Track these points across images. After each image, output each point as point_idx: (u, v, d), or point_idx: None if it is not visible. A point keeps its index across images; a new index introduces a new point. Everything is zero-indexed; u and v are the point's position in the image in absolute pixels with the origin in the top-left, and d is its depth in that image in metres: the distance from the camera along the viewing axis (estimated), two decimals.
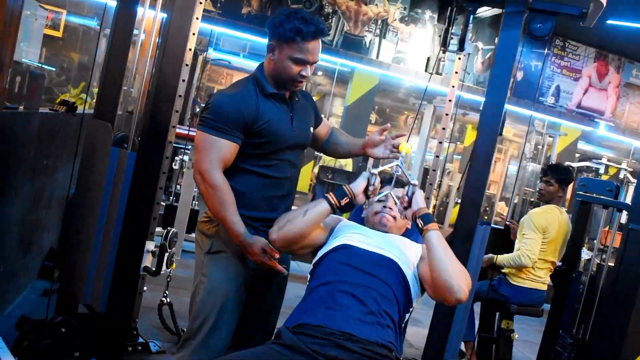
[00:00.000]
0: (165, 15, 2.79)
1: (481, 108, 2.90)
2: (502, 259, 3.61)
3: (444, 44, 3.27)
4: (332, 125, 2.50)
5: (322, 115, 2.40)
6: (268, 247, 2.00)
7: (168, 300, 3.27)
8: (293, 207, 2.21)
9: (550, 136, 8.10)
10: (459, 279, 1.77)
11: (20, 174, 2.92)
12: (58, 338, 2.71)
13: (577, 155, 9.11)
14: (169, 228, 3.16)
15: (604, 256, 3.92)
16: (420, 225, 1.90)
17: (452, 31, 3.25)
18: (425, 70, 6.23)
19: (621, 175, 7.99)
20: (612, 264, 3.85)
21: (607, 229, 7.31)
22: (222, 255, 2.11)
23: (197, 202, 5.04)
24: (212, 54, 7.05)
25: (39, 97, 2.96)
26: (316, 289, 1.85)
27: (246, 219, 2.05)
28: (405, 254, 1.99)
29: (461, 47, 3.15)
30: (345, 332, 1.69)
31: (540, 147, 8.49)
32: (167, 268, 3.14)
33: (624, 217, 3.90)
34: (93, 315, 2.84)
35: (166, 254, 3.04)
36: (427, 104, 7.89)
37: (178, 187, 5.59)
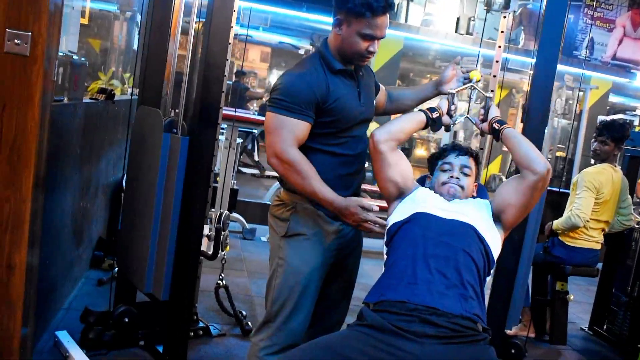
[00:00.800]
0: None
1: (531, 69, 2.82)
2: (557, 223, 3.56)
3: (489, 4, 3.16)
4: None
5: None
6: (363, 202, 1.97)
7: (224, 282, 3.28)
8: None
9: (581, 90, 7.91)
10: (541, 155, 1.94)
11: (70, 166, 2.91)
12: (122, 328, 2.73)
13: (607, 108, 8.90)
14: (221, 210, 3.16)
15: None
16: (497, 127, 2.04)
17: None
18: (456, 31, 6.14)
19: None
20: None
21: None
22: (300, 237, 2.08)
23: (235, 182, 5.03)
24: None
25: (82, 88, 2.93)
26: (396, 263, 1.82)
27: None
28: (478, 210, 1.97)
29: (507, 4, 3.04)
30: (429, 306, 1.66)
31: (571, 102, 8.31)
32: (222, 250, 3.16)
33: None
34: (154, 303, 2.86)
35: (221, 236, 3.06)
36: (455, 65, 7.74)
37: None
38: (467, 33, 5.94)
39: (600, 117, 8.00)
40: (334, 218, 2.07)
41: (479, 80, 2.26)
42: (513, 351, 3.15)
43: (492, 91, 2.84)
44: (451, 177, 2.08)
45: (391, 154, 2.00)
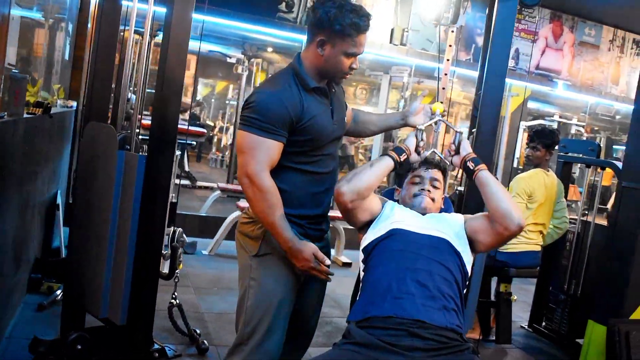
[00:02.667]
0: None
1: (479, 84, 2.94)
2: None
3: (438, 18, 3.25)
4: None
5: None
6: (318, 253, 1.94)
7: (177, 301, 3.18)
8: None
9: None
10: (516, 208, 1.89)
11: (10, 186, 2.74)
12: (75, 356, 2.59)
13: (527, 114, 9.35)
14: (174, 228, 3.07)
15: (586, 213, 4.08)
16: (471, 167, 2.01)
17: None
18: (390, 42, 6.27)
19: (572, 131, 8.30)
20: (596, 221, 4.02)
21: (575, 184, 7.59)
22: (272, 256, 2.04)
23: (174, 195, 4.90)
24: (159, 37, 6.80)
25: (22, 103, 2.76)
26: (378, 279, 1.83)
27: (292, 217, 1.99)
28: (452, 227, 2.00)
29: (455, 19, 3.14)
30: (416, 319, 1.69)
31: None
32: (176, 268, 3.07)
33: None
34: (107, 327, 2.74)
35: (177, 255, 2.97)
36: (383, 74, 7.90)
37: None
38: (401, 44, 6.08)
39: (523, 123, 8.42)
40: (305, 236, 2.03)
41: (442, 112, 2.27)
42: None
43: (443, 89, 2.94)
44: (422, 189, 2.12)
45: (360, 206, 2.00)
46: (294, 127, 1.96)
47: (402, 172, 2.17)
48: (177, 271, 3.06)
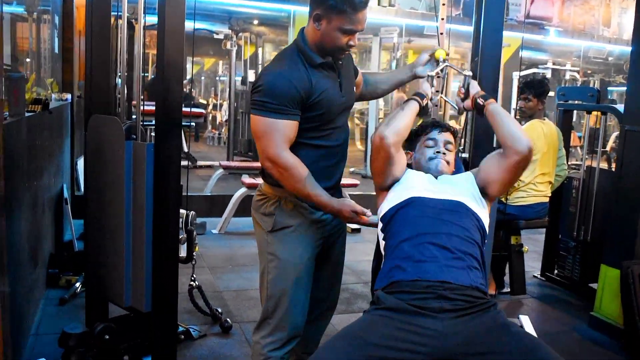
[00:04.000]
0: None
1: (474, 39, 2.90)
2: None
3: None
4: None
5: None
6: (356, 207, 2.01)
7: (197, 283, 3.22)
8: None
9: None
10: (524, 133, 1.98)
11: (20, 185, 2.75)
12: (104, 346, 2.64)
13: (520, 64, 9.29)
14: (187, 212, 3.09)
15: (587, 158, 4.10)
16: (481, 102, 2.06)
17: None
18: (378, 4, 6.21)
19: (567, 77, 8.27)
20: (600, 165, 4.05)
21: (573, 130, 7.59)
22: (287, 230, 2.09)
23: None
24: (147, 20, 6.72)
25: (22, 102, 2.75)
26: (399, 246, 1.85)
27: None
28: (466, 188, 2.03)
29: None
30: (442, 280, 1.71)
31: None
32: (192, 252, 3.10)
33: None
34: (132, 316, 2.79)
35: (193, 237, 3.00)
36: (373, 37, 7.83)
37: None
38: (390, 5, 6.03)
39: (515, 73, 8.37)
40: (316, 208, 2.08)
41: (445, 57, 2.29)
42: None
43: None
44: (437, 152, 2.14)
45: (398, 154, 2.01)
46: (304, 104, 1.97)
47: (422, 115, 2.18)
48: (194, 253, 3.09)
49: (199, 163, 7.97)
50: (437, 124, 2.21)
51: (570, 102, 4.22)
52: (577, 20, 8.04)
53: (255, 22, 8.77)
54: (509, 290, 3.92)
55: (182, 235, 2.91)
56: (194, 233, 3.00)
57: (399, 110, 2.03)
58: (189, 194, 5.72)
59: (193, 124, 6.42)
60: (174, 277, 2.64)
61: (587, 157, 4.12)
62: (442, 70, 2.29)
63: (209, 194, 5.86)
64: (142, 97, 2.75)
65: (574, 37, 8.14)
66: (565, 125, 4.20)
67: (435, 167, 2.10)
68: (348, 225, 5.29)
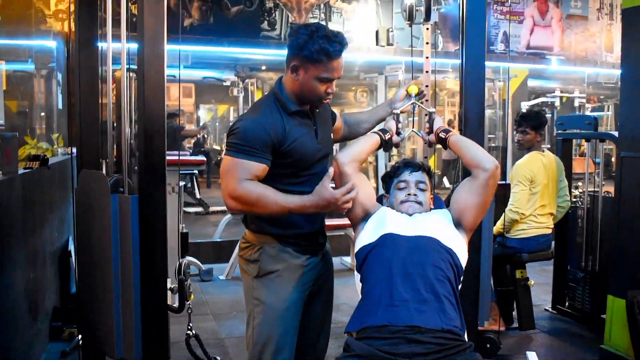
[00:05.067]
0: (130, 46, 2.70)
1: (461, 74, 2.92)
2: (497, 227, 3.66)
3: (410, 18, 3.26)
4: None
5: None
6: (336, 190, 1.93)
7: (193, 332, 3.20)
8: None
9: (500, 81, 8.25)
10: (487, 154, 2.08)
11: (15, 241, 2.80)
12: None
13: (528, 93, 9.29)
14: (181, 260, 3.09)
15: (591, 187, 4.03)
16: (443, 136, 2.16)
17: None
18: (377, 44, 6.29)
19: (576, 104, 8.23)
20: (602, 192, 3.98)
21: (577, 157, 7.51)
22: (272, 275, 2.10)
23: (183, 225, 4.94)
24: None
25: (15, 160, 2.82)
26: (372, 289, 1.85)
27: (289, 238, 2.08)
28: (439, 223, 2.03)
29: (427, 17, 3.14)
30: (412, 325, 1.69)
31: (493, 93, 8.63)
32: (187, 300, 3.09)
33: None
34: None
35: (185, 287, 2.99)
36: (378, 75, 7.93)
37: None
38: (388, 44, 6.10)
39: (523, 103, 8.36)
40: (301, 252, 2.12)
41: (417, 94, 2.38)
42: (488, 346, 3.24)
43: (426, 86, 3.00)
44: (408, 194, 2.13)
45: (355, 176, 2.05)
46: (277, 151, 2.01)
47: (387, 150, 2.28)
48: (189, 303, 3.08)
49: (212, 209, 8.02)
50: (409, 164, 2.22)
51: (568, 131, 4.18)
52: (579, 48, 8.02)
53: (263, 67, 8.93)
54: (517, 325, 3.82)
55: (174, 285, 2.91)
56: (187, 282, 2.99)
57: (357, 140, 2.17)
58: (198, 240, 5.83)
59: (196, 171, 6.49)
60: (164, 327, 2.64)
61: (590, 184, 4.05)
62: (412, 107, 2.38)
63: (218, 240, 5.88)
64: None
65: (576, 64, 8.13)
66: (566, 155, 4.16)
67: (407, 211, 2.09)
68: (343, 264, 5.30)
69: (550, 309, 4.28)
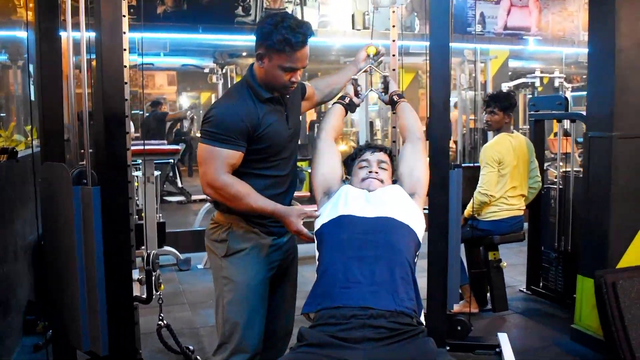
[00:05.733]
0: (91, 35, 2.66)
1: (427, 56, 2.91)
2: (468, 210, 3.67)
3: (375, 2, 3.24)
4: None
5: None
6: (304, 210, 2.09)
7: (165, 322, 3.20)
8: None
9: (481, 62, 8.23)
10: (419, 125, 2.33)
11: None
12: None
13: (509, 74, 9.28)
14: (148, 252, 3.08)
15: (568, 168, 4.05)
16: (395, 99, 2.40)
17: None
18: (353, 28, 6.26)
19: (556, 84, 8.24)
20: (575, 172, 4.00)
21: (552, 136, 7.55)
22: (241, 254, 2.16)
23: (160, 215, 4.93)
24: (131, 60, 6.85)
25: None
26: (327, 270, 1.86)
27: (255, 219, 2.14)
28: (397, 196, 2.07)
29: (393, 0, 3.12)
30: (365, 306, 1.70)
31: (473, 74, 8.61)
32: (157, 291, 3.08)
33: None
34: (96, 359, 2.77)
35: (153, 278, 2.98)
36: None
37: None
38: (364, 28, 6.07)
39: (504, 84, 8.36)
40: (268, 233, 2.19)
41: (376, 54, 2.54)
42: (459, 328, 3.27)
43: (393, 70, 3.05)
44: (370, 172, 2.15)
45: (327, 143, 2.23)
46: (251, 137, 2.07)
47: (353, 111, 2.43)
48: (159, 293, 3.07)
49: (194, 197, 7.99)
50: (370, 146, 2.30)
51: (540, 112, 4.19)
52: (557, 28, 8.02)
53: (244, 54, 8.86)
54: (491, 307, 3.85)
55: (141, 276, 2.90)
56: (157, 273, 2.98)
57: (325, 115, 2.31)
58: (177, 230, 5.81)
59: (171, 161, 6.45)
60: (131, 318, 2.64)
61: (562, 164, 4.07)
62: (378, 63, 2.58)
63: (197, 229, 5.86)
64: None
65: (554, 44, 8.12)
66: (538, 136, 4.17)
67: (367, 187, 2.11)
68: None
69: (524, 290, 4.32)
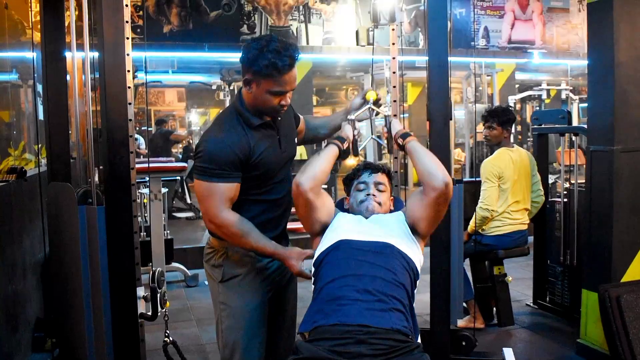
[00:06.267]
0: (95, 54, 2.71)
1: (426, 70, 2.93)
2: (470, 225, 3.67)
3: (375, 19, 3.28)
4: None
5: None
6: (304, 252, 2.08)
7: (171, 338, 3.22)
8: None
9: (487, 75, 8.26)
10: (440, 167, 1.97)
11: None
12: None
13: (517, 86, 9.29)
14: (154, 269, 3.11)
15: (572, 181, 4.05)
16: (400, 142, 2.12)
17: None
18: (357, 44, 6.30)
19: (563, 96, 8.23)
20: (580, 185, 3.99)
21: (559, 149, 7.50)
22: (236, 279, 2.17)
23: (168, 232, 4.97)
24: (139, 77, 6.94)
25: None
26: (324, 288, 1.87)
27: None
28: (395, 227, 2.04)
29: (392, 18, 3.16)
30: (361, 324, 1.71)
31: (481, 87, 8.64)
32: (162, 308, 3.11)
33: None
34: None
35: (158, 295, 3.01)
36: (364, 74, 7.96)
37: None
38: (368, 44, 6.11)
39: (511, 97, 8.37)
40: (263, 256, 2.16)
41: (376, 100, 2.34)
42: (464, 343, 3.26)
43: (394, 87, 3.00)
44: (367, 194, 2.16)
45: (318, 199, 2.04)
46: (245, 166, 2.06)
47: (345, 158, 2.25)
48: (164, 310, 3.10)
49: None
50: (368, 166, 2.25)
51: (543, 125, 4.20)
52: (561, 40, 8.03)
53: None
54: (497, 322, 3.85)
55: (147, 293, 2.93)
56: (162, 290, 3.01)
57: (316, 155, 2.08)
58: (184, 246, 5.84)
59: (178, 178, 6.52)
60: (136, 336, 2.67)
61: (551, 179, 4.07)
62: (377, 111, 2.33)
63: (204, 245, 5.88)
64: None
65: (558, 57, 8.14)
66: (542, 149, 4.17)
67: (366, 210, 2.12)
68: (308, 268, 5.30)
69: (531, 304, 4.30)
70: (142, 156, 7.58)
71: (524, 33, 7.76)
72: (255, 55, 1.98)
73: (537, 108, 8.57)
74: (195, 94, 10.60)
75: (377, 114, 2.36)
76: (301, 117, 2.46)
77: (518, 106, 8.14)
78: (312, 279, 2.01)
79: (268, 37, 2.03)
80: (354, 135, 2.20)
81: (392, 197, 2.28)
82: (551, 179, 5.22)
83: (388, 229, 2.02)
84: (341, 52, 6.44)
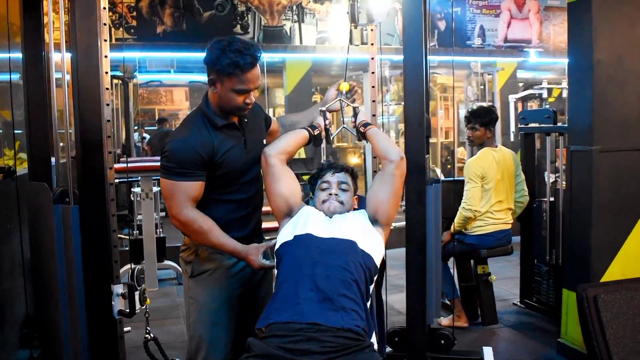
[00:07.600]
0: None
1: (403, 72, 2.93)
2: (454, 226, 3.68)
3: (353, 20, 3.29)
4: (278, 115, 2.56)
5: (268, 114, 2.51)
6: (260, 247, 2.14)
7: (152, 335, 3.26)
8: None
9: (488, 74, 8.23)
10: (394, 145, 2.21)
11: None
12: None
13: (521, 84, 9.23)
14: (134, 267, 3.17)
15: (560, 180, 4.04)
16: (362, 130, 2.29)
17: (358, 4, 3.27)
18: (351, 43, 6.29)
19: (564, 95, 8.17)
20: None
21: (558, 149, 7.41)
22: (205, 275, 2.23)
23: (161, 230, 5.01)
24: (140, 78, 7.00)
25: None
26: (281, 287, 1.92)
27: None
28: (356, 223, 2.10)
29: (370, 19, 3.17)
30: (313, 322, 1.75)
31: (482, 86, 8.60)
32: (142, 305, 3.15)
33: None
34: None
35: (137, 292, 3.05)
36: (363, 73, 7.94)
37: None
38: (362, 43, 6.12)
39: (511, 96, 8.32)
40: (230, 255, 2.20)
41: (348, 90, 2.49)
42: (442, 342, 3.27)
43: (372, 87, 3.02)
44: (330, 194, 2.18)
45: (281, 167, 2.15)
46: (209, 165, 2.12)
47: (317, 145, 2.36)
48: (145, 307, 3.14)
49: None
50: (331, 166, 2.29)
51: (530, 125, 4.19)
52: (558, 39, 7.98)
53: None
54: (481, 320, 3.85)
55: (124, 291, 2.97)
56: (140, 287, 3.05)
57: (286, 133, 2.24)
58: (178, 244, 5.87)
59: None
60: (113, 333, 2.70)
61: (552, 177, 4.07)
62: (351, 100, 2.48)
63: None
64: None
65: (555, 56, 8.09)
66: (528, 149, 4.17)
67: (327, 210, 2.14)
68: None
69: (518, 303, 4.30)
70: (147, 154, 7.66)
71: (521, 32, 7.73)
72: (218, 55, 2.04)
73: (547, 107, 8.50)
74: (197, 92, 10.63)
75: (348, 105, 2.47)
76: (273, 118, 2.51)
77: (519, 105, 8.08)
78: (276, 270, 2.04)
79: (230, 38, 2.09)
80: (325, 124, 2.32)
81: (356, 197, 2.31)
82: (552, 177, 5.20)
83: (350, 225, 2.06)
84: (335, 52, 6.45)
